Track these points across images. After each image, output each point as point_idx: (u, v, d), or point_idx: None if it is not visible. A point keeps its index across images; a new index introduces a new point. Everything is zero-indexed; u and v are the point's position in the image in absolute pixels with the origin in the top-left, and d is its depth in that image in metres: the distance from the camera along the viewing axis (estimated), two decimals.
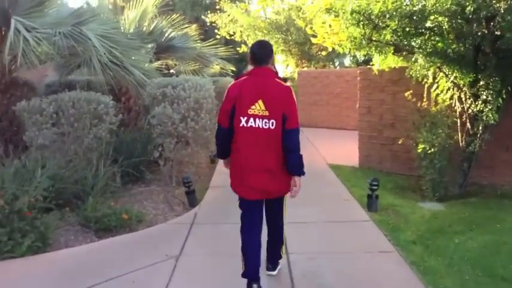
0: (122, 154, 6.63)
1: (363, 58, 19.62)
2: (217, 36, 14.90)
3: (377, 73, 7.49)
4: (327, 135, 12.48)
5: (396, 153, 7.66)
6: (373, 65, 7.60)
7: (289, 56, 16.14)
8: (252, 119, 3.31)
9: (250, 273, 3.49)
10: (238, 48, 15.80)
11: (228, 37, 15.45)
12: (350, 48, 7.00)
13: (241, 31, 15.59)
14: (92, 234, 5.06)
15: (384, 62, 7.34)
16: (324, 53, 7.84)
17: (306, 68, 16.05)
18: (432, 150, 6.01)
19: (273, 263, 3.92)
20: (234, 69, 11.50)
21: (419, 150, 6.18)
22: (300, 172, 3.48)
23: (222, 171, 5.30)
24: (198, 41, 10.86)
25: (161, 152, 6.87)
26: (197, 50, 10.33)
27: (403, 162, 7.53)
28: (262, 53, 3.48)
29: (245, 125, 3.33)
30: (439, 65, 6.10)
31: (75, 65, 8.14)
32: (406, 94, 6.77)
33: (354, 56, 18.49)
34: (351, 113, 13.13)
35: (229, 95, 3.43)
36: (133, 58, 7.88)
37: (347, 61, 19.40)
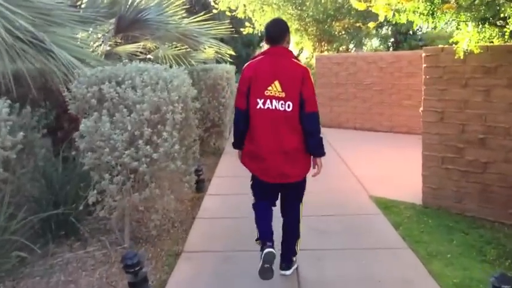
0: (39, 199, 3.82)
1: (392, 40, 16.54)
2: (214, 11, 11.82)
3: (461, 57, 4.50)
4: (356, 141, 9.49)
5: (489, 187, 4.72)
6: (453, 43, 4.60)
7: (304, 37, 13.02)
8: (269, 101, 3.27)
9: (263, 234, 3.43)
10: (241, 29, 12.77)
11: (228, 13, 12.37)
12: (422, 13, 4.06)
13: (244, 5, 12.48)
14: None
15: (475, 38, 4.38)
16: (371, 24, 4.73)
17: (326, 52, 12.96)
18: None
19: (287, 261, 3.67)
20: (233, 53, 8.53)
21: None
22: (321, 153, 3.43)
23: (213, 209, 5.05)
24: (184, 15, 7.91)
25: (99, 196, 3.98)
26: (181, 28, 7.36)
27: (502, 203, 4.60)
28: (276, 31, 3.41)
29: (262, 107, 3.28)
30: None
31: None
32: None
33: (383, 37, 15.46)
34: (385, 109, 10.21)
35: (244, 76, 3.38)
36: (67, 35, 5.00)
37: (374, 44, 16.26)
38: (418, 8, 4.10)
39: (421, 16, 4.19)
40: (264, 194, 3.54)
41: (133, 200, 3.97)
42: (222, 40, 12.43)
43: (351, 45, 14.19)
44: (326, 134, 10.49)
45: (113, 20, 6.74)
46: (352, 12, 12.66)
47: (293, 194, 3.58)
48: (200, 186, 6.19)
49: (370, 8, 4.72)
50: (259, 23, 12.58)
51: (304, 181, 3.55)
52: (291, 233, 3.63)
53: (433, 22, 4.17)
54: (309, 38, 12.95)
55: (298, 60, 3.49)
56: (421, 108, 5.21)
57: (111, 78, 4.00)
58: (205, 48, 8.18)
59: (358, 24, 12.76)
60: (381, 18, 4.67)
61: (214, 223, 5.01)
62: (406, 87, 9.86)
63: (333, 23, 12.71)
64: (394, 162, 7.27)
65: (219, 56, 8.98)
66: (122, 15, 6.49)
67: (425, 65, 5.12)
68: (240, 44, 17.30)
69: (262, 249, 3.29)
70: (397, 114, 10.14)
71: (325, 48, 12.95)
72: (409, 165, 6.83)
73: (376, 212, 5.11)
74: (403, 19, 4.35)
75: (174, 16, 7.31)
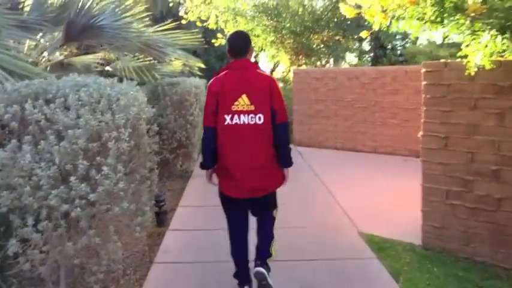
0: None
1: (370, 55, 15.97)
2: (183, 22, 10.93)
3: (472, 73, 3.75)
4: (339, 163, 8.70)
5: (504, 228, 3.96)
6: (462, 57, 3.84)
7: (281, 50, 12.22)
8: (236, 116, 3.20)
9: (241, 274, 3.51)
10: (213, 41, 11.95)
11: (199, 23, 11.47)
12: (429, 20, 3.32)
13: (216, 15, 11.63)
14: None
15: (489, 51, 3.64)
16: (364, 34, 3.94)
17: (304, 66, 12.22)
18: None
19: (262, 260, 3.48)
20: (202, 66, 7.68)
21: None
22: (290, 164, 3.41)
23: (175, 249, 4.51)
24: (149, 24, 7.05)
25: (22, 245, 3.05)
26: (144, 37, 6.49)
27: None
28: (240, 43, 3.38)
29: (230, 122, 3.21)
30: None
31: None
32: None
33: (363, 52, 14.87)
34: (368, 128, 9.51)
35: (212, 91, 3.29)
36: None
37: (351, 58, 15.64)
38: (425, 13, 3.34)
39: (428, 23, 3.43)
40: (236, 210, 3.47)
41: (67, 250, 3.06)
42: (194, 52, 11.58)
43: (330, 60, 13.45)
44: (304, 153, 9.77)
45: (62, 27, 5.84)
46: (331, 25, 11.99)
47: (265, 206, 3.53)
48: (161, 219, 5.30)
49: (362, 15, 3.97)
50: None
51: (274, 194, 3.53)
52: (264, 237, 3.58)
53: (442, 30, 3.40)
54: (285, 51, 12.18)
55: (262, 70, 3.42)
56: (421, 133, 4.45)
57: (38, 95, 3.10)
58: (171, 60, 7.32)
59: (337, 38, 12.09)
60: (376, 27, 3.91)
61: (176, 269, 4.12)
62: (391, 105, 9.16)
63: (311, 35, 11.99)
64: (383, 190, 6.50)
65: (187, 69, 8.13)
66: (71, 20, 5.61)
67: (425, 83, 4.36)
68: (213, 57, 16.48)
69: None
70: (380, 133, 9.42)
71: (303, 62, 12.19)
72: (401, 195, 6.08)
73: (370, 256, 4.30)
74: (403, 27, 3.59)
75: (135, 24, 6.44)
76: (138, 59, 7.35)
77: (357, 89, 9.65)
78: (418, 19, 3.41)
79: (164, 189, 6.75)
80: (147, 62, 7.35)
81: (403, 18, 3.47)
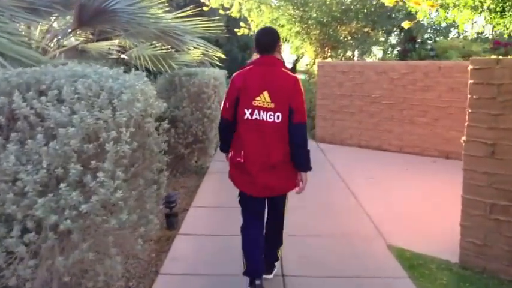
0: None
1: (398, 48, 15.29)
2: (205, 8, 10.48)
3: None
4: (363, 163, 8.19)
5: None
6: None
7: (306, 41, 11.67)
8: (256, 111, 3.18)
9: (252, 270, 3.38)
10: (236, 30, 11.48)
11: (222, 11, 11.01)
12: (487, 10, 2.82)
13: (240, 3, 11.13)
14: None
15: None
16: (406, 24, 3.44)
17: (329, 59, 11.66)
18: None
19: (268, 266, 3.62)
20: (223, 56, 7.24)
21: None
22: (308, 168, 3.31)
23: (184, 258, 4.23)
24: (168, 10, 6.62)
25: (7, 258, 2.68)
26: (162, 23, 6.08)
27: None
28: (267, 39, 3.33)
29: (249, 117, 3.20)
30: None
31: None
32: None
33: (391, 46, 14.22)
34: (395, 126, 8.99)
35: (235, 85, 3.28)
36: None
37: (375, 52, 14.96)
38: (484, 1, 2.84)
39: (484, 13, 2.93)
40: (252, 209, 3.42)
41: (57, 265, 2.68)
42: (217, 41, 11.13)
43: (356, 53, 12.84)
44: (326, 151, 9.28)
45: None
46: (360, 16, 11.38)
47: (280, 203, 3.50)
48: (171, 221, 4.90)
49: (404, 3, 3.48)
50: (256, 24, 11.28)
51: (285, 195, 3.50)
52: (274, 240, 3.62)
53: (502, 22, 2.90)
54: (310, 43, 11.64)
55: (288, 69, 3.35)
56: (464, 138, 3.94)
57: (30, 86, 2.71)
58: (189, 49, 6.89)
59: (366, 30, 11.48)
60: (420, 16, 3.43)
61: (185, 282, 3.72)
62: (421, 103, 8.59)
63: (338, 26, 11.41)
64: (413, 196, 6.00)
65: (207, 59, 7.70)
66: (83, 3, 5.20)
67: (472, 82, 3.85)
68: (236, 47, 16.03)
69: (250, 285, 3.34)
70: (408, 132, 8.88)
71: (329, 54, 11.64)
72: (434, 202, 5.59)
73: (401, 275, 3.83)
74: (455, 16, 3.09)
75: (153, 9, 6.02)
76: (156, 47, 6.95)
77: (385, 84, 9.10)
78: (472, 8, 2.91)
79: (177, 186, 6.38)
80: (164, 51, 6.94)
81: (456, 6, 2.98)
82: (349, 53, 11.87)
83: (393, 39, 14.39)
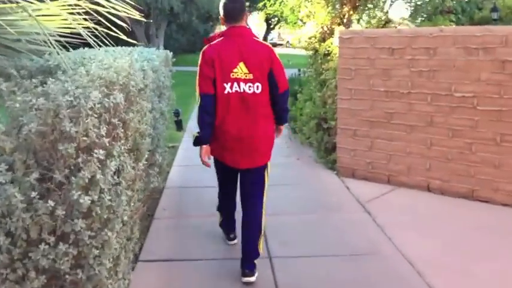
0: None
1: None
2: None
3: None
4: (456, 238, 3.71)
5: None
6: None
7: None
8: (236, 83, 3.14)
9: (227, 224, 3.79)
10: None
11: None
12: None
13: None
14: None
15: None
16: None
17: (357, 25, 6.97)
18: None
19: (251, 265, 3.34)
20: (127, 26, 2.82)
21: None
22: (286, 121, 3.58)
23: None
24: None
25: None
26: None
27: None
28: (235, 8, 3.24)
29: (230, 91, 3.15)
30: None
31: None
32: None
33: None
34: (505, 155, 4.54)
35: (207, 58, 3.17)
36: None
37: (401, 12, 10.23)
38: None
39: None
40: (230, 182, 3.54)
41: None
42: (171, 10, 6.85)
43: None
44: (368, 203, 4.48)
45: None
46: None
47: (257, 177, 3.37)
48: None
49: None
50: None
51: (266, 167, 3.40)
52: (254, 227, 3.41)
53: None
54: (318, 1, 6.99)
55: (258, 38, 3.35)
56: None
57: None
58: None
59: None
60: None
61: None
62: None
63: None
64: None
65: (103, 30, 3.19)
66: None
67: None
68: (195, 17, 12.89)
69: (226, 234, 3.85)
70: None
71: (350, 17, 6.96)
72: None
73: None
74: None
75: None
76: None
77: (486, 73, 4.63)
78: None
79: None
80: None
81: None
82: (383, 16, 7.13)
83: None
